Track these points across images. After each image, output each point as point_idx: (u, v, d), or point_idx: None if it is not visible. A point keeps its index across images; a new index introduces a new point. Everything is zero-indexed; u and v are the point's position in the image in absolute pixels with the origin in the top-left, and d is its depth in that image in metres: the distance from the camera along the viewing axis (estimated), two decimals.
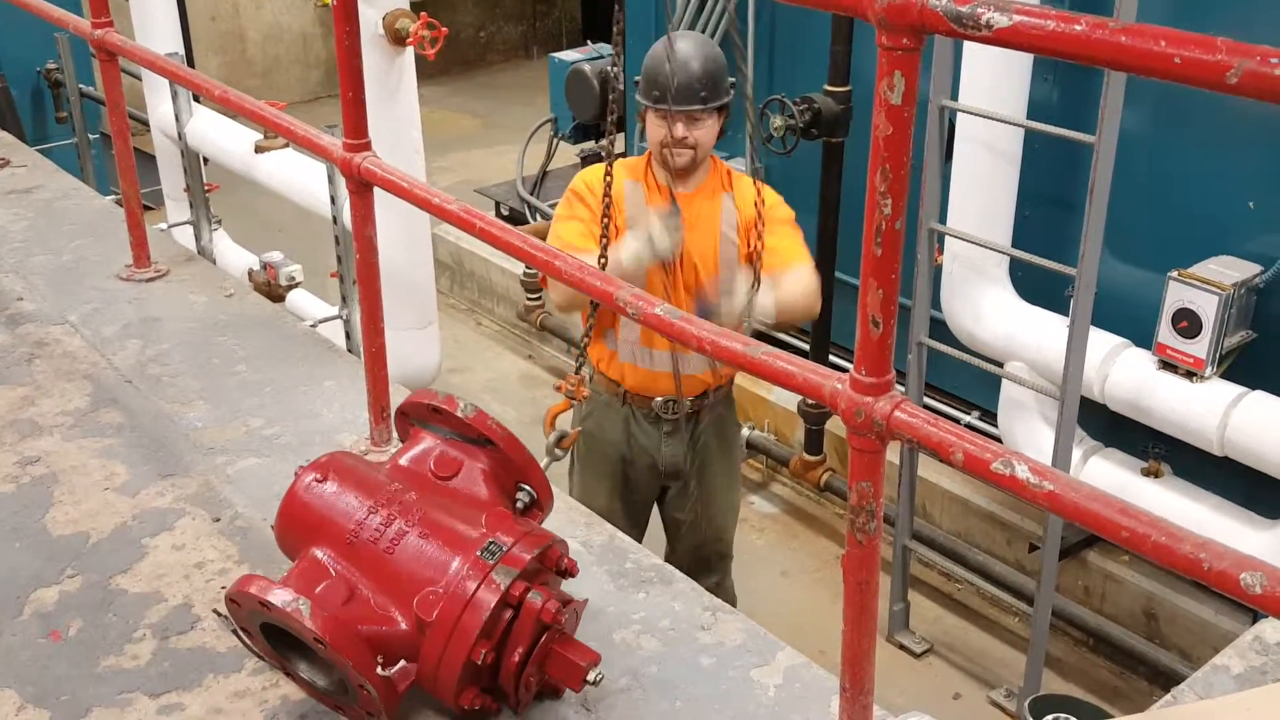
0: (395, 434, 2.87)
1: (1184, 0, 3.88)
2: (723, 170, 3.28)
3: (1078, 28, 1.29)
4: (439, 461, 2.13)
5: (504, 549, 1.95)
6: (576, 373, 2.98)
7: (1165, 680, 4.05)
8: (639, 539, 3.44)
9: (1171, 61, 1.21)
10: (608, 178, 2.96)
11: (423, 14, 3.74)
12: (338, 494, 2.06)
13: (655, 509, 3.63)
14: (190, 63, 6.00)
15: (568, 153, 7.06)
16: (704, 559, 3.59)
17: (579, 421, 3.51)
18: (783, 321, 3.19)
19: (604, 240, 2.98)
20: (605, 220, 2.95)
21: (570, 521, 2.62)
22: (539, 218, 6.81)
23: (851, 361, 1.69)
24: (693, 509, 3.48)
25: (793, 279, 3.14)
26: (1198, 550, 1.33)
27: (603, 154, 6.87)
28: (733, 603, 3.48)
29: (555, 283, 3.07)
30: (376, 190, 2.65)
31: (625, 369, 3.32)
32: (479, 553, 1.94)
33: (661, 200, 3.17)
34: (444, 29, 3.77)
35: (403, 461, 2.17)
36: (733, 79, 3.16)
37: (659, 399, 3.30)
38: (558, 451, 3.00)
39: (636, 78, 3.17)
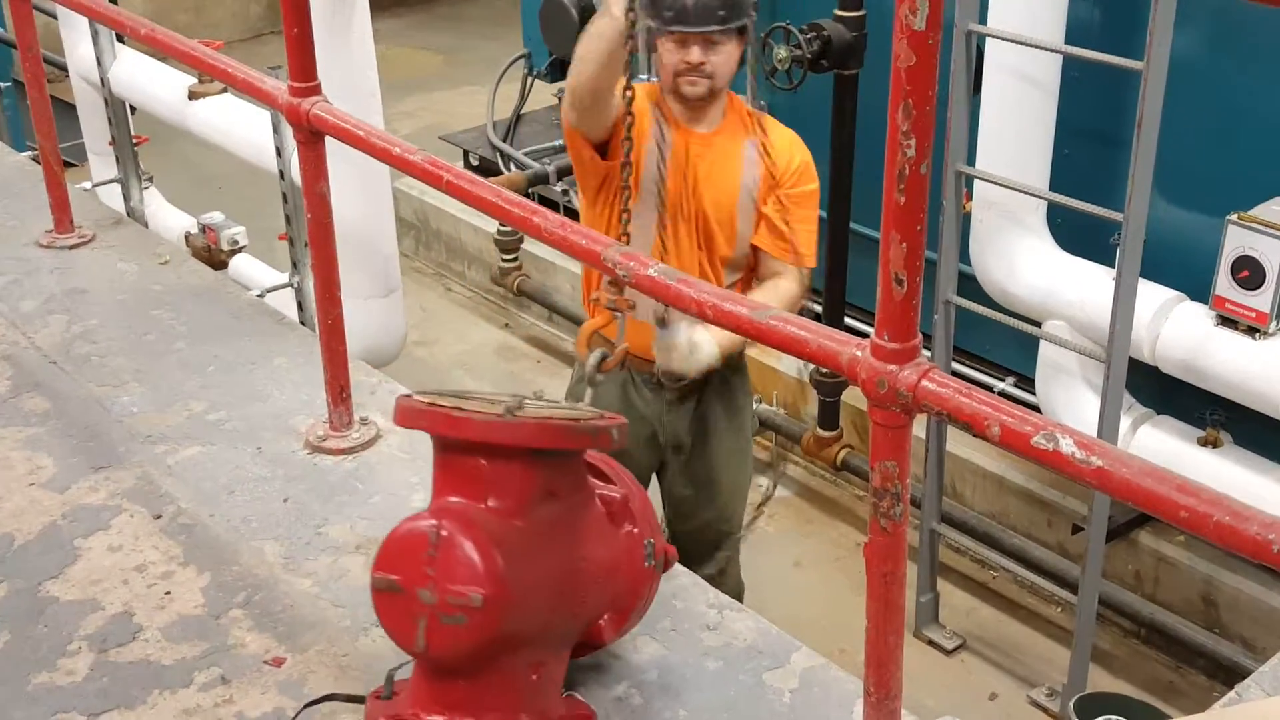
0: (355, 417, 2.89)
1: None
2: (742, 110, 3.26)
3: None
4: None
5: None
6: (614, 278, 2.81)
7: (1227, 675, 4.08)
8: None
9: None
10: (628, 92, 2.90)
11: None
12: None
13: (656, 484, 3.64)
14: None
15: (544, 93, 7.02)
16: (708, 542, 3.60)
17: (571, 387, 3.52)
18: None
19: (625, 170, 2.92)
20: (628, 144, 2.88)
21: None
22: (513, 167, 6.77)
23: (871, 325, 1.69)
24: (695, 485, 3.48)
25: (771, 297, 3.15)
26: (1266, 531, 1.34)
27: None
28: (739, 594, 3.49)
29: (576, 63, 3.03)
30: (329, 140, 2.65)
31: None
32: None
33: (676, 134, 3.15)
34: None
35: None
36: None
37: (658, 365, 3.30)
38: (599, 377, 2.77)
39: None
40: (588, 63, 2.96)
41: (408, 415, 2.04)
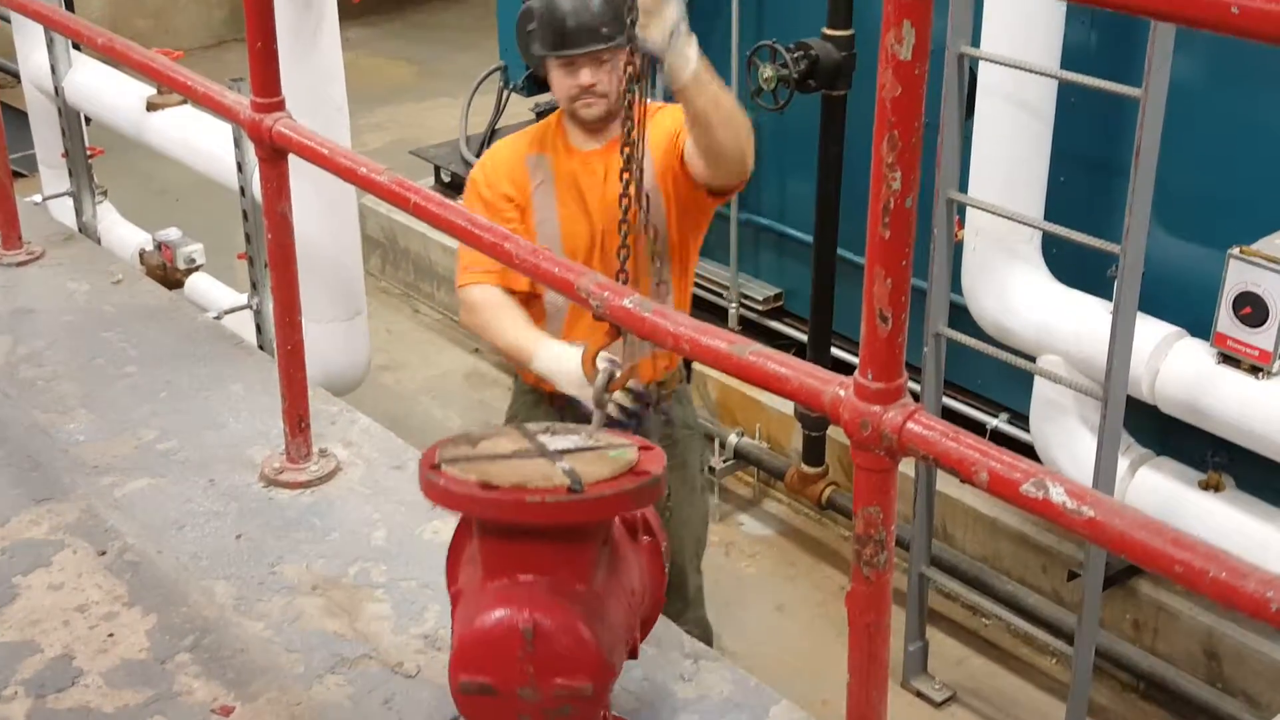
0: (314, 448, 2.88)
1: None
2: (649, 110, 3.26)
3: None
4: None
5: None
6: (623, 268, 2.68)
7: None
8: None
9: (1229, 11, 1.22)
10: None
11: None
12: None
13: None
14: (69, 1, 5.95)
15: (520, 106, 7.04)
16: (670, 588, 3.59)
17: (508, 416, 3.55)
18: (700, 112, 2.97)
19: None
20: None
21: None
22: None
23: (856, 355, 1.69)
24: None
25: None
26: (1265, 588, 1.34)
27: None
28: (708, 640, 3.48)
29: (472, 313, 3.15)
30: (292, 157, 2.64)
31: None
32: None
33: (567, 159, 3.18)
34: None
35: None
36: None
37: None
38: (608, 399, 2.50)
39: (530, 26, 3.15)
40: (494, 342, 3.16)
41: (458, 501, 1.96)
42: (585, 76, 3.07)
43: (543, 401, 3.37)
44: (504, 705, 1.94)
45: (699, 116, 2.93)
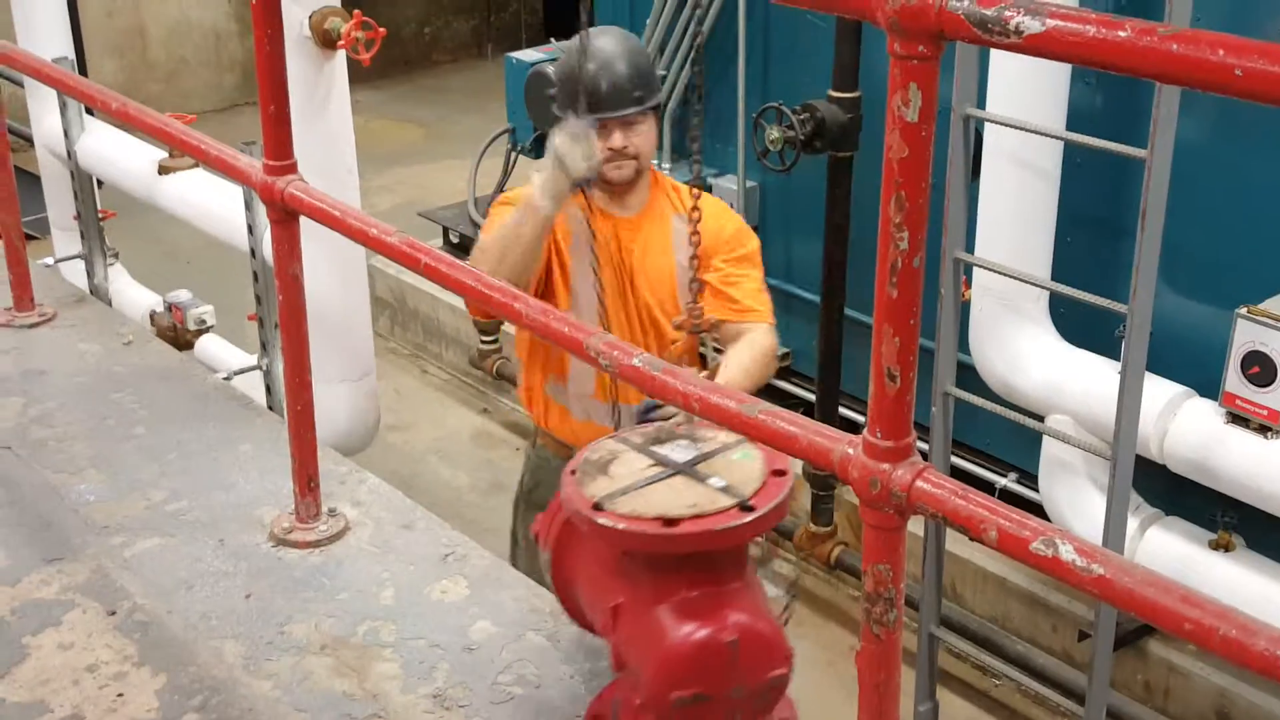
0: (323, 508, 2.88)
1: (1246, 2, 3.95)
2: (666, 185, 3.31)
3: (1122, 34, 1.31)
4: None
5: None
6: (695, 299, 2.77)
7: None
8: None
9: (1232, 74, 1.24)
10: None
11: (356, 12, 3.76)
12: None
13: None
14: (82, 66, 6.03)
15: (527, 168, 7.09)
16: None
17: (523, 492, 3.52)
18: None
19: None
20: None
21: (533, 611, 2.62)
22: None
23: (865, 415, 1.70)
24: None
25: (744, 356, 3.15)
26: (1276, 646, 1.33)
27: None
28: None
29: (483, 250, 3.09)
30: (303, 219, 2.66)
31: (579, 429, 3.29)
32: None
33: (602, 223, 3.20)
34: (381, 29, 3.79)
35: None
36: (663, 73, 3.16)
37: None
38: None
39: (551, 90, 3.19)
40: (505, 264, 2.99)
41: (644, 541, 2.06)
42: (617, 140, 3.10)
43: (558, 463, 3.35)
44: (718, 707, 2.08)
45: None
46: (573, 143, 2.91)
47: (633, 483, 2.13)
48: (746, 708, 2.10)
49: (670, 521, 2.03)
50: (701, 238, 3.13)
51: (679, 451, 2.20)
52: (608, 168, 3.13)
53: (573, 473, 2.20)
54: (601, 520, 2.06)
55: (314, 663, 2.48)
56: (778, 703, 2.16)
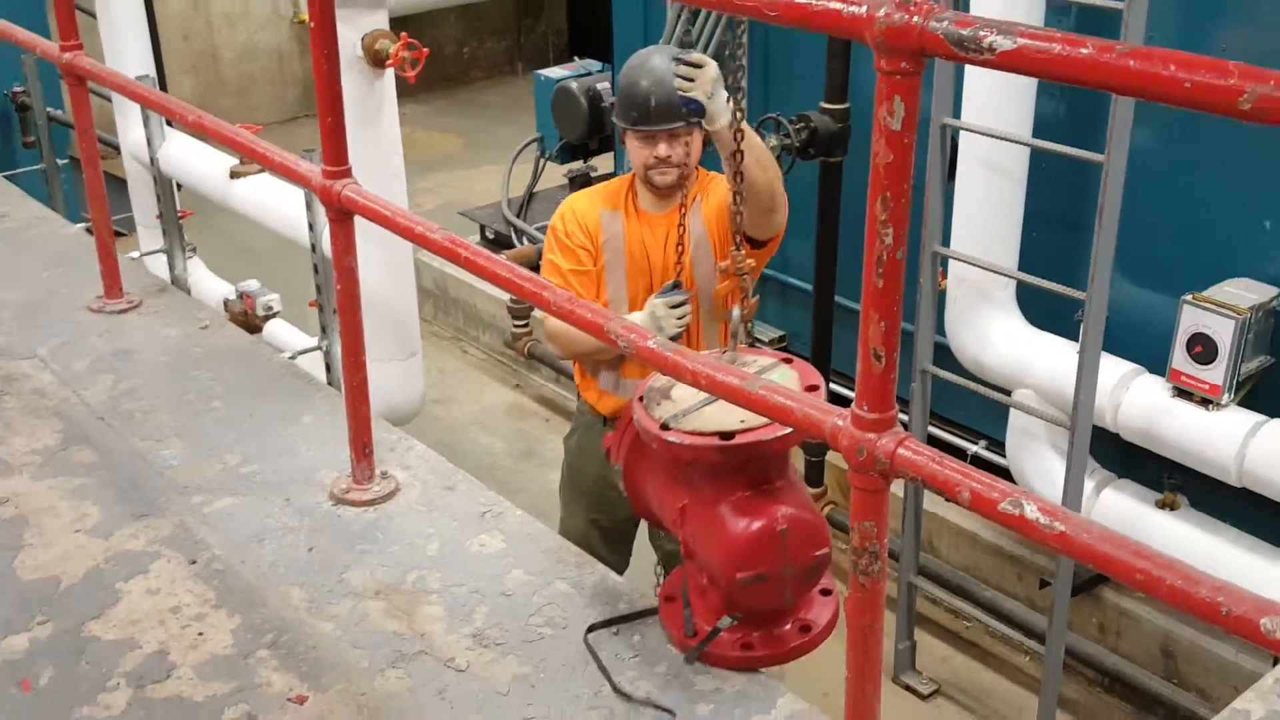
0: (376, 471, 2.89)
1: (1193, 16, 3.91)
2: (705, 180, 3.29)
3: (1084, 51, 1.30)
4: None
5: None
6: (738, 249, 2.81)
7: None
8: (619, 566, 3.49)
9: (1182, 87, 1.23)
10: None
11: (403, 35, 3.75)
12: None
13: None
14: (162, 84, 6.03)
15: (554, 173, 7.09)
16: None
17: (568, 435, 3.62)
18: (753, 177, 2.89)
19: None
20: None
21: (560, 561, 2.62)
22: (525, 241, 6.82)
23: (854, 389, 1.70)
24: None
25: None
26: (1216, 594, 1.34)
27: (590, 174, 6.92)
28: None
29: (554, 332, 3.19)
30: (357, 218, 2.66)
31: (600, 396, 3.39)
32: None
33: (641, 224, 3.21)
34: (425, 50, 3.78)
35: None
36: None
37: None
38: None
39: (612, 100, 3.19)
40: (570, 351, 3.27)
41: (706, 452, 2.20)
42: (662, 149, 3.09)
43: (597, 423, 3.41)
44: (774, 585, 2.23)
45: (734, 163, 2.87)
46: (666, 309, 3.00)
47: (692, 404, 2.26)
48: (796, 582, 2.25)
49: (726, 435, 2.17)
50: (713, 200, 3.15)
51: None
52: (653, 173, 3.13)
53: (640, 399, 2.35)
54: (669, 438, 2.21)
55: (369, 606, 2.49)
56: (821, 575, 2.32)
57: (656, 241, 3.21)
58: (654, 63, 3.09)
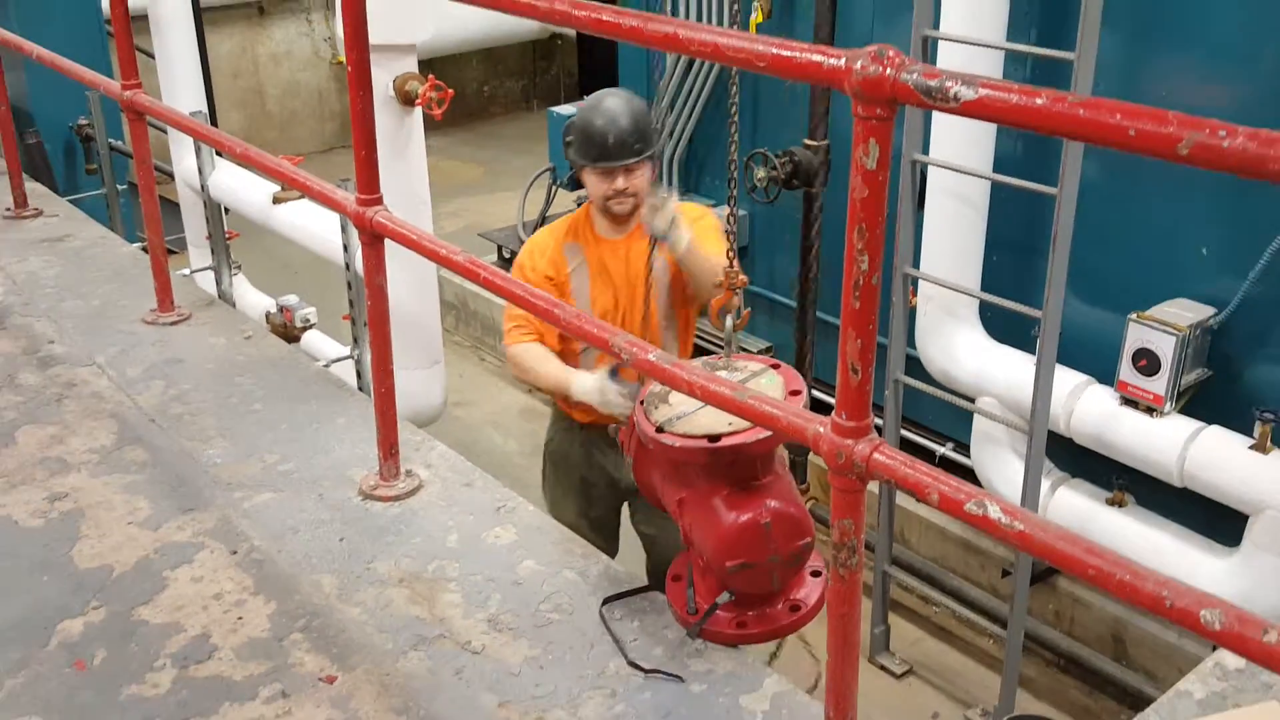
0: (402, 470, 2.88)
1: (1136, 66, 3.91)
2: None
3: (1039, 101, 1.30)
4: None
5: None
6: (731, 266, 2.80)
7: (1133, 700, 4.03)
8: (610, 550, 3.49)
9: (1127, 134, 1.22)
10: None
11: (430, 76, 3.75)
12: None
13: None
14: (213, 117, 6.03)
15: (565, 199, 7.09)
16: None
17: (545, 443, 3.58)
18: (691, 268, 3.07)
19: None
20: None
21: (568, 552, 2.61)
22: None
23: (833, 395, 1.69)
24: (656, 522, 3.47)
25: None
26: (1160, 588, 1.33)
27: None
28: None
29: (513, 357, 3.21)
30: (387, 240, 2.66)
31: (581, 403, 3.31)
32: None
33: (595, 248, 3.20)
34: (450, 90, 3.78)
35: None
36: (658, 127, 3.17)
37: (613, 426, 3.30)
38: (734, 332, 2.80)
39: (569, 138, 3.18)
40: (538, 384, 3.24)
41: (695, 455, 2.20)
42: (620, 182, 3.09)
43: (575, 428, 3.38)
44: (761, 571, 2.24)
45: (689, 271, 3.09)
46: (619, 398, 2.90)
47: (686, 409, 2.27)
48: (782, 569, 2.26)
49: (714, 438, 2.18)
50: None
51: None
52: (611, 204, 3.13)
53: (642, 403, 2.35)
54: (663, 440, 2.23)
55: (393, 593, 2.48)
56: (806, 562, 2.33)
57: (619, 260, 3.21)
58: (608, 104, 3.09)
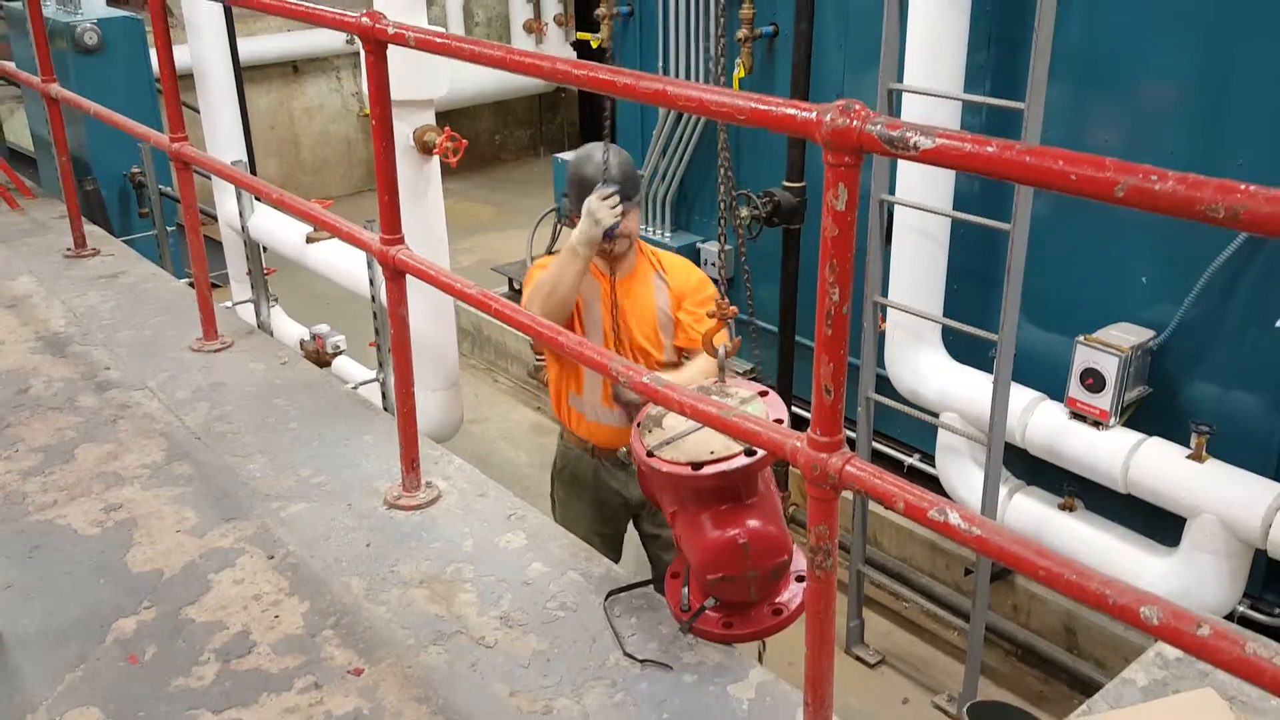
0: (423, 482, 2.88)
1: (1080, 114, 3.94)
2: (649, 252, 3.29)
3: (990, 149, 1.31)
4: None
5: None
6: (723, 297, 2.79)
7: (1084, 686, 4.02)
8: (617, 557, 3.47)
9: (1068, 178, 1.23)
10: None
11: (447, 128, 3.76)
12: None
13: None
14: (251, 164, 6.05)
15: (569, 236, 7.11)
16: None
17: (556, 470, 3.50)
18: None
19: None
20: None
21: (572, 556, 2.61)
22: None
23: (810, 410, 1.69)
24: (662, 524, 3.44)
25: (693, 369, 3.13)
26: (1103, 587, 1.33)
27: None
28: None
29: (533, 301, 3.07)
30: (409, 276, 2.67)
31: (592, 428, 3.30)
32: None
33: (604, 283, 3.20)
34: (464, 140, 3.79)
35: None
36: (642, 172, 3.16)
37: (623, 449, 3.30)
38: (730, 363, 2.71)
39: (565, 191, 3.20)
40: (553, 299, 3.01)
41: (677, 480, 2.16)
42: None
43: (585, 453, 3.36)
44: (739, 584, 2.22)
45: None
46: (600, 203, 2.98)
47: (676, 434, 2.25)
48: (759, 583, 2.23)
49: (697, 465, 2.16)
50: (675, 283, 3.17)
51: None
52: (606, 244, 3.10)
53: (638, 425, 2.33)
54: (652, 463, 2.21)
55: (415, 593, 2.48)
56: (784, 575, 2.29)
57: (628, 300, 3.19)
58: (597, 156, 3.11)
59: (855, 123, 1.42)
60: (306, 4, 2.81)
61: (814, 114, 1.48)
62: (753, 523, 2.19)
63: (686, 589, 2.34)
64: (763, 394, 2.38)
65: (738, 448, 2.15)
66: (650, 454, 2.22)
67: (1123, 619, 1.31)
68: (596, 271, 3.22)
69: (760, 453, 2.14)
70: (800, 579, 2.37)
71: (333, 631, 2.35)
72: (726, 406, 1.93)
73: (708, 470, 2.15)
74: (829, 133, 1.45)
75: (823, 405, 1.66)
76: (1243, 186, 1.09)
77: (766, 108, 1.57)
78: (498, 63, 2.13)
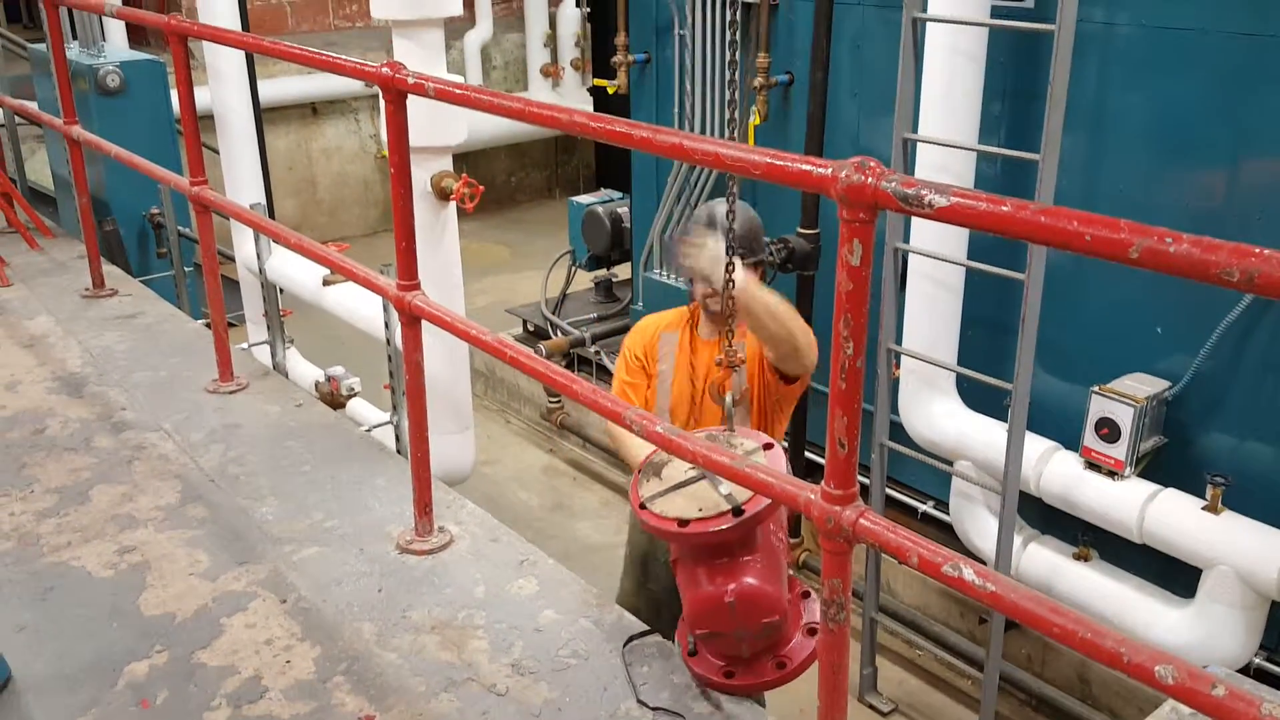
0: (435, 526, 2.88)
1: (1092, 166, 3.96)
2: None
3: (1004, 209, 1.32)
4: None
5: None
6: (730, 344, 2.70)
7: None
8: (656, 624, 3.31)
9: (1083, 239, 1.25)
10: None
11: (464, 175, 3.81)
12: None
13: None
14: (270, 204, 6.12)
15: (583, 279, 7.15)
16: None
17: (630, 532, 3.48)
18: (763, 325, 2.83)
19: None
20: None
21: (584, 603, 2.61)
22: (559, 333, 6.85)
23: (824, 455, 1.70)
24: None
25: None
26: (1118, 645, 1.33)
27: (612, 280, 6.99)
28: None
29: (610, 432, 3.12)
30: (424, 321, 2.68)
31: None
32: None
33: (692, 348, 3.17)
34: (480, 187, 3.83)
35: None
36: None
37: None
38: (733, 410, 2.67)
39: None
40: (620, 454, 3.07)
41: (666, 535, 2.16)
42: (708, 285, 2.93)
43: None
44: (728, 641, 2.19)
45: (754, 329, 2.87)
46: (712, 263, 2.73)
47: (669, 486, 2.24)
48: (750, 640, 2.20)
49: (683, 523, 2.15)
50: (752, 343, 3.07)
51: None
52: (709, 301, 3.06)
53: (640, 471, 2.33)
54: (643, 516, 2.21)
55: (426, 639, 2.48)
56: (777, 637, 2.24)
57: (702, 362, 3.15)
58: (719, 210, 3.04)
59: (870, 180, 1.44)
60: (329, 54, 2.86)
61: (829, 170, 1.50)
62: (749, 580, 2.15)
63: (693, 636, 2.33)
64: (767, 446, 2.34)
65: (725, 507, 2.14)
66: (643, 506, 2.21)
67: (1138, 678, 1.31)
68: (688, 337, 3.17)
69: (748, 513, 2.12)
70: (811, 631, 2.35)
71: (344, 678, 2.35)
72: (738, 457, 1.94)
73: (692, 529, 2.14)
74: (844, 189, 1.47)
75: (836, 458, 1.67)
76: (1257, 250, 1.10)
77: (782, 163, 1.59)
78: (516, 114, 2.16)
